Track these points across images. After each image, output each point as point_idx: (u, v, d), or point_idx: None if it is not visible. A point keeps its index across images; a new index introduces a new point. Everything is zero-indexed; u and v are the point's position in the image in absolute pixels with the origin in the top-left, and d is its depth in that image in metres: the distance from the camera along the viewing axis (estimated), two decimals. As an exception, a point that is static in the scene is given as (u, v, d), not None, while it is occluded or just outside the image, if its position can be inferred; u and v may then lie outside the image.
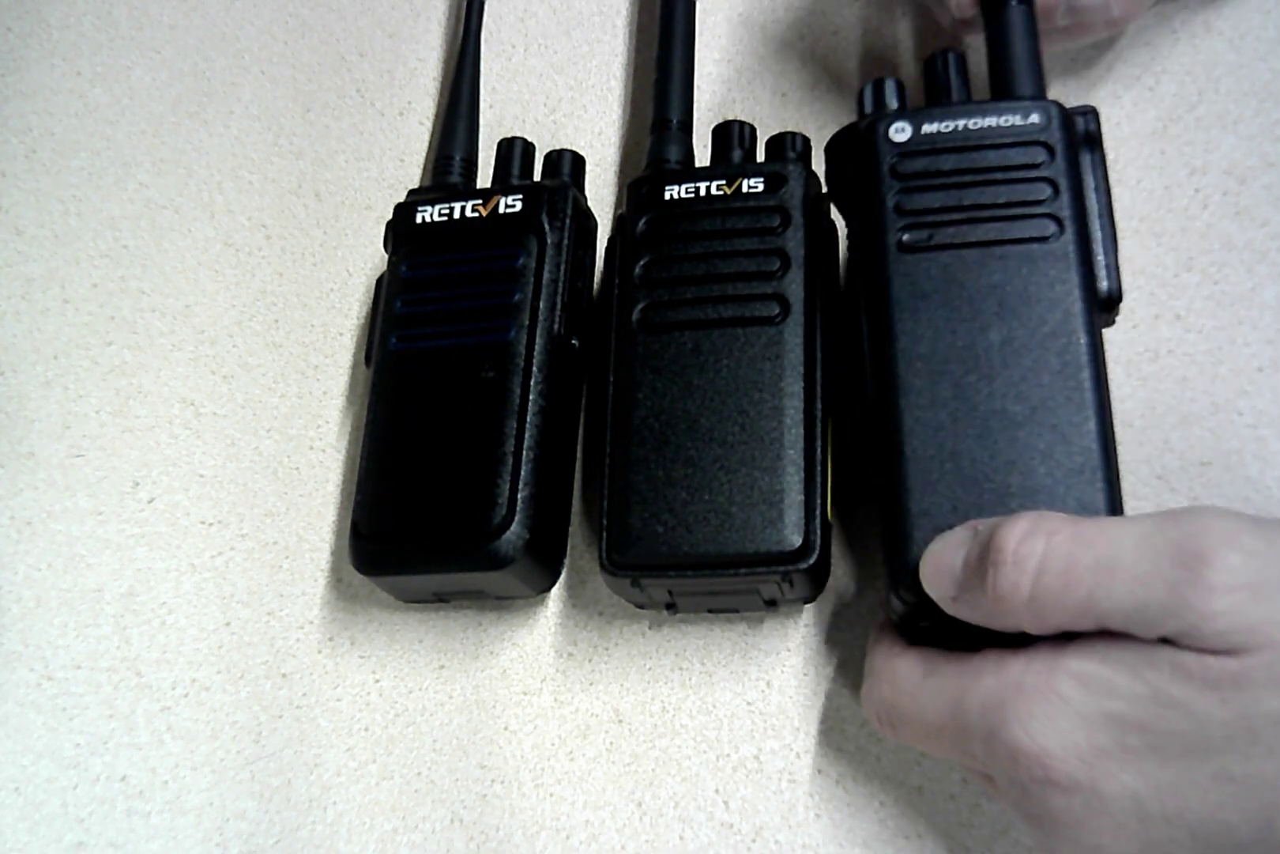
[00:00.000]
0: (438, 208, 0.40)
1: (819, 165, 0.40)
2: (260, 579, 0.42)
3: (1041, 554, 0.28)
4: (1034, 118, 0.35)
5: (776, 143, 0.40)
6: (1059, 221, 0.34)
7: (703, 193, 0.38)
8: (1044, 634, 0.28)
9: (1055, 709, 0.27)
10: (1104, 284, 0.34)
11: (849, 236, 0.37)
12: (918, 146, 0.35)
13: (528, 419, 0.37)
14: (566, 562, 0.39)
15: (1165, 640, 0.26)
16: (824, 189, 0.39)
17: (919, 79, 0.39)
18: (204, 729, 0.40)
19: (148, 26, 0.52)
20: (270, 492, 0.43)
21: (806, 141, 0.40)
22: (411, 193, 0.43)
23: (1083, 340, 0.33)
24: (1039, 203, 0.34)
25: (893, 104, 0.37)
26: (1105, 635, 0.27)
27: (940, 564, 0.30)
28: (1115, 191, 0.37)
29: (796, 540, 0.33)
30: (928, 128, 0.35)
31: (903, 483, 0.32)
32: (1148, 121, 0.40)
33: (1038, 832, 0.29)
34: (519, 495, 0.36)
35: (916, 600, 0.32)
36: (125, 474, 0.44)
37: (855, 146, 0.36)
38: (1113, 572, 0.27)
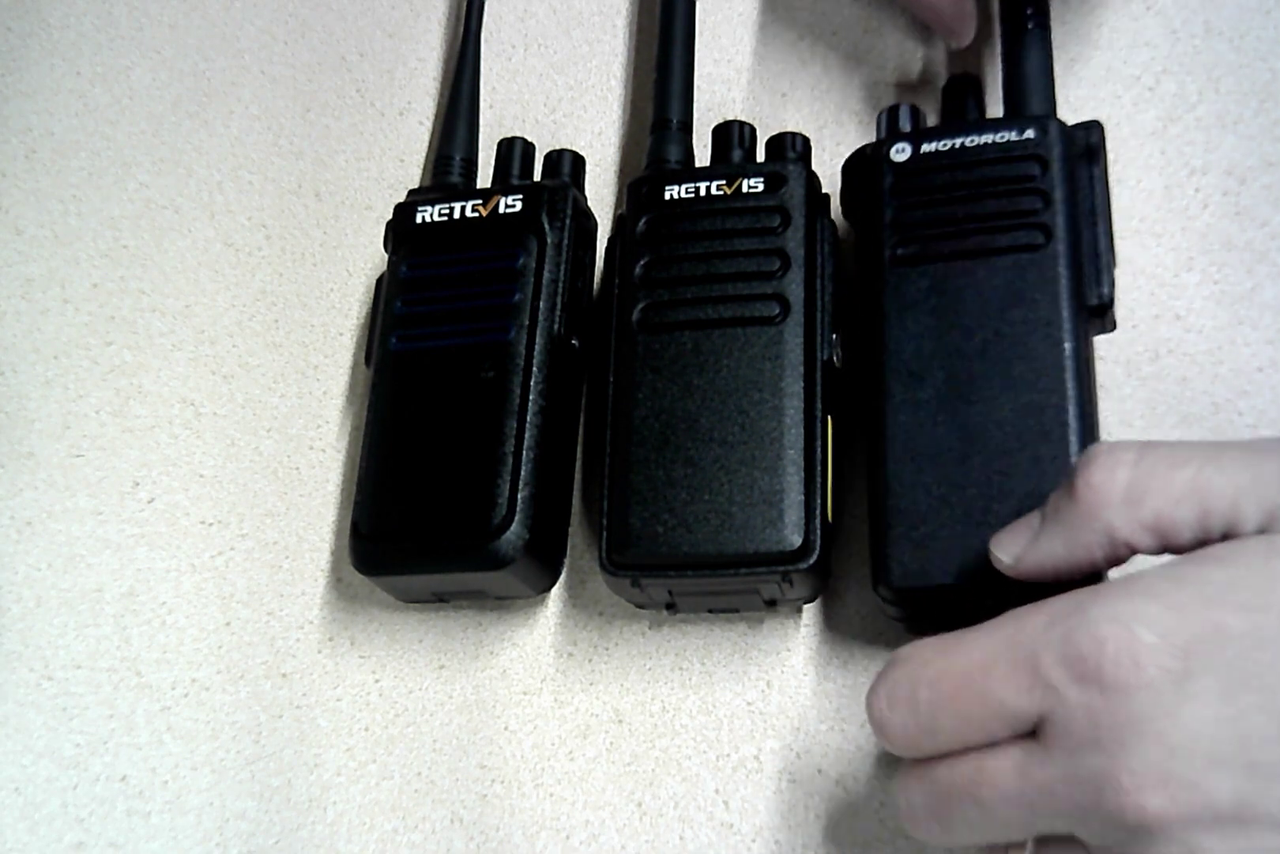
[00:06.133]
0: (438, 208, 0.40)
1: (819, 165, 0.40)
2: (260, 579, 0.42)
3: (1139, 448, 0.27)
4: (1029, 133, 0.35)
5: (776, 143, 0.40)
6: (1047, 231, 0.34)
7: (703, 193, 0.38)
8: (1129, 538, 0.27)
9: (1147, 597, 0.25)
10: (1093, 290, 0.34)
11: (856, 254, 0.38)
12: (915, 165, 0.36)
13: (528, 419, 0.37)
14: (566, 562, 0.39)
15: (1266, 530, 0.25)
16: (824, 189, 0.39)
17: (917, 82, 0.39)
18: (204, 729, 0.40)
19: (148, 26, 0.52)
20: (270, 492, 0.43)
21: (806, 141, 0.40)
22: (411, 193, 0.43)
23: (1067, 343, 0.33)
24: (1030, 213, 0.35)
25: (905, 127, 0.38)
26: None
27: (1012, 528, 0.30)
28: (1115, 191, 0.37)
29: (796, 540, 0.33)
30: (926, 147, 0.36)
31: (884, 481, 0.33)
32: (1148, 121, 0.40)
33: (1098, 757, 0.25)
34: (519, 495, 0.36)
35: (895, 597, 0.33)
36: (125, 474, 0.44)
37: (863, 168, 0.37)
38: (1221, 451, 0.27)
